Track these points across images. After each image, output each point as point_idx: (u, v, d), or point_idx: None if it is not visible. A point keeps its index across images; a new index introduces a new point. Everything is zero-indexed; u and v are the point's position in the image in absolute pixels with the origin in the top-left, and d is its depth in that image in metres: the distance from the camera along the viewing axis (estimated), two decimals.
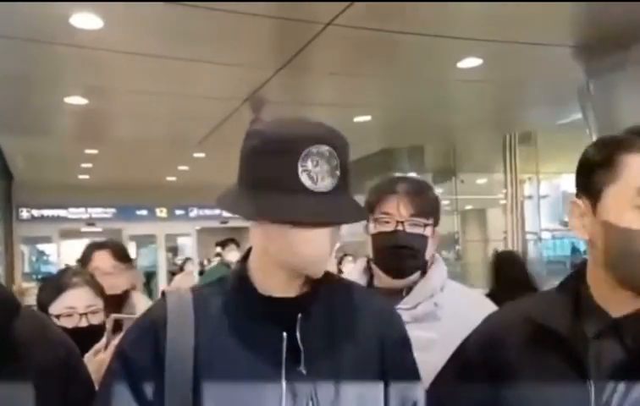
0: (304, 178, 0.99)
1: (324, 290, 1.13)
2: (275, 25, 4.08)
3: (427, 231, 1.62)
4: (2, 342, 0.99)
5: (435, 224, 1.65)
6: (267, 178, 1.00)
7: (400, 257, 1.59)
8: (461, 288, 1.77)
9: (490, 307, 1.67)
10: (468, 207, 13.15)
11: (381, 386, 1.12)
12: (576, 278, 1.11)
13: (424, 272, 1.66)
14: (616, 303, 1.03)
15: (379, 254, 1.63)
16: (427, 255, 1.65)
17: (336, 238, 1.07)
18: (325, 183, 1.00)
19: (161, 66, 4.75)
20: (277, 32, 4.26)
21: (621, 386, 0.98)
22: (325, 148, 1.01)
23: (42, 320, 1.16)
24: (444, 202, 11.62)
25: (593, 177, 1.03)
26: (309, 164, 0.99)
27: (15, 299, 1.07)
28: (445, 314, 1.57)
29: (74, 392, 1.12)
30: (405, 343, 1.20)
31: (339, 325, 1.11)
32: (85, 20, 3.77)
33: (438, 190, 11.87)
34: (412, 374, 1.18)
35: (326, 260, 1.06)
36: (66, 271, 1.91)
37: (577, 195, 1.07)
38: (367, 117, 6.81)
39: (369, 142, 8.16)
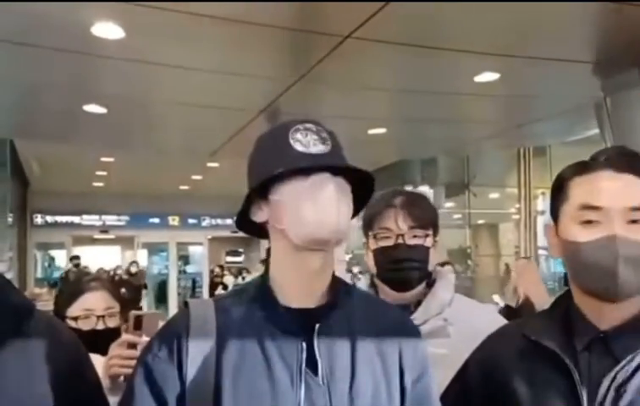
0: (297, 146, 1.06)
1: (342, 301, 1.14)
2: (292, 38, 4.10)
3: (428, 242, 1.60)
4: (14, 344, 1.01)
5: (435, 234, 1.64)
6: (265, 165, 1.08)
7: (402, 270, 1.58)
8: (469, 302, 1.75)
9: (498, 319, 1.67)
10: (480, 221, 13.09)
11: (398, 397, 1.13)
12: (567, 296, 1.18)
13: (429, 284, 1.65)
14: (600, 315, 1.09)
15: (382, 269, 1.61)
16: (431, 266, 1.64)
17: (347, 209, 1.08)
18: (318, 148, 1.07)
19: (178, 76, 4.79)
20: (294, 44, 4.29)
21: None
22: (311, 124, 1.09)
23: (53, 322, 1.17)
24: (456, 216, 11.59)
25: (553, 201, 1.16)
26: (299, 135, 1.07)
27: (29, 302, 1.10)
28: (455, 329, 1.56)
29: (82, 392, 1.13)
30: (422, 356, 1.20)
31: (357, 336, 1.12)
32: (107, 30, 3.82)
33: (450, 204, 11.68)
34: (429, 388, 1.19)
35: (336, 229, 1.06)
36: (84, 275, 1.96)
37: (552, 219, 1.18)
38: (382, 130, 6.83)
39: (383, 154, 8.18)
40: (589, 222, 1.06)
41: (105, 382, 1.50)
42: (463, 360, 1.28)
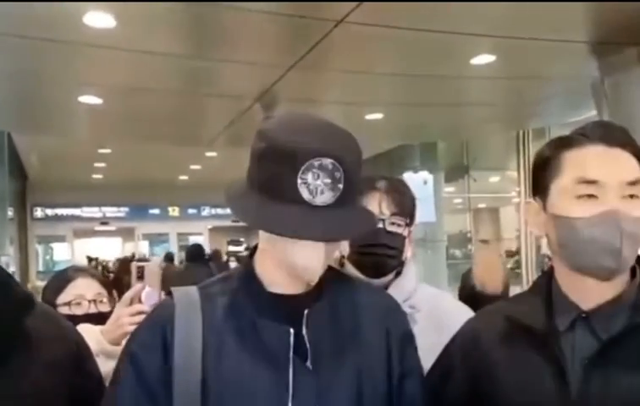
0: (302, 191, 0.99)
1: (330, 286, 1.13)
2: (287, 23, 4.07)
3: (406, 231, 1.59)
4: (15, 336, 1.02)
5: (410, 224, 1.61)
6: (269, 184, 1.02)
7: (380, 256, 1.54)
8: (433, 290, 1.73)
9: (461, 307, 1.68)
10: (481, 205, 13.09)
11: (387, 381, 1.12)
12: (547, 276, 1.16)
13: (397, 273, 1.62)
14: (584, 294, 1.07)
15: (358, 251, 1.56)
16: (404, 256, 1.61)
17: (334, 248, 1.09)
18: (324, 198, 0.99)
19: (173, 65, 4.77)
20: (288, 30, 4.26)
21: (598, 376, 1.01)
22: (328, 161, 0.99)
23: (54, 316, 1.18)
24: (457, 200, 11.58)
25: (541, 176, 1.12)
26: (309, 177, 0.99)
27: (30, 295, 1.09)
28: (421, 316, 1.53)
29: (83, 384, 1.14)
30: (409, 339, 1.19)
31: (345, 321, 1.12)
32: (99, 19, 3.79)
33: (450, 188, 11.63)
34: (416, 370, 1.18)
35: (321, 269, 1.06)
36: (71, 267, 2.05)
37: (533, 196, 1.15)
38: (379, 115, 6.80)
39: (381, 140, 8.15)
40: (586, 196, 1.03)
41: (105, 348, 1.53)
42: (429, 346, 1.26)
